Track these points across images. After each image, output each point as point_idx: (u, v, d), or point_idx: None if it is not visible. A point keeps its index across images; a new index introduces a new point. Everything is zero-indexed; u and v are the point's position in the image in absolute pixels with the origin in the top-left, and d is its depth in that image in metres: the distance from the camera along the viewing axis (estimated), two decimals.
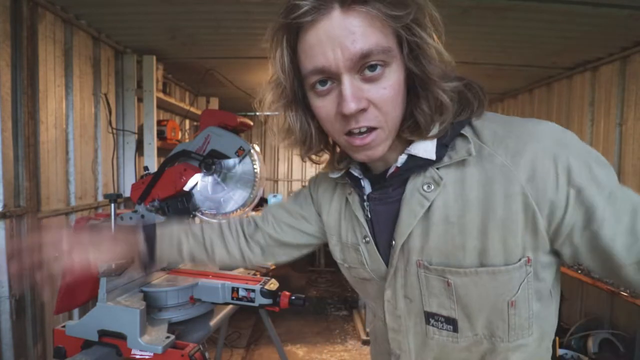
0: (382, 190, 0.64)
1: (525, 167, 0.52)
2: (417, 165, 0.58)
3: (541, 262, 0.55)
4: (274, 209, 0.88)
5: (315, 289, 4.48)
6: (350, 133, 0.55)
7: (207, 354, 1.26)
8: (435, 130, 0.57)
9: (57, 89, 1.95)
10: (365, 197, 0.66)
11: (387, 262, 0.64)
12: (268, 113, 0.67)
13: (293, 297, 1.48)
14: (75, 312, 2.00)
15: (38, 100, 1.80)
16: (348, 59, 0.51)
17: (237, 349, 3.01)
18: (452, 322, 0.59)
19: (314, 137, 0.65)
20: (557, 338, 2.20)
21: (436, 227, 0.57)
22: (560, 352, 2.29)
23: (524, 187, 0.52)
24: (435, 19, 0.54)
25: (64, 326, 1.34)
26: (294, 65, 0.58)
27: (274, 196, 4.10)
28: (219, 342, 2.26)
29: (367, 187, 0.67)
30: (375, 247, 0.65)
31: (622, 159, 2.54)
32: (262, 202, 4.09)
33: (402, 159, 0.60)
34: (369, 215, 0.66)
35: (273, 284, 1.51)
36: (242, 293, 1.49)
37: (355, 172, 0.68)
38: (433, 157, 0.57)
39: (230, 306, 1.67)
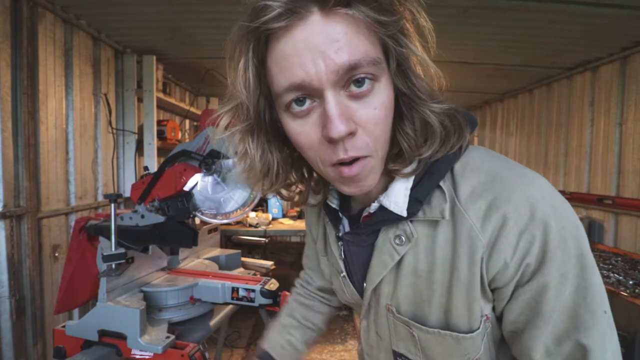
0: (356, 235, 0.60)
1: (490, 233, 0.48)
2: (390, 217, 0.54)
3: (494, 313, 0.54)
4: (306, 262, 0.92)
5: None
6: (338, 163, 0.47)
7: (207, 354, 1.27)
8: (414, 164, 0.52)
9: (57, 89, 1.95)
10: (339, 236, 0.64)
11: (362, 296, 0.64)
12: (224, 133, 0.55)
13: None
14: (75, 312, 2.00)
15: (38, 100, 1.80)
16: (332, 72, 0.42)
17: (237, 349, 3.01)
18: None
19: (276, 171, 0.55)
20: None
21: (405, 278, 0.56)
22: None
23: (483, 252, 0.48)
24: (424, 29, 0.47)
25: (64, 326, 1.34)
26: (261, 79, 0.48)
27: (274, 196, 4.08)
28: (219, 342, 2.26)
29: (346, 226, 0.64)
30: (350, 284, 0.65)
31: (622, 159, 2.54)
32: (262, 202, 4.09)
33: (374, 206, 0.55)
34: (343, 255, 0.64)
35: (273, 284, 1.52)
36: (242, 293, 1.49)
37: (334, 205, 0.63)
38: (404, 214, 0.52)
39: (230, 306, 1.67)
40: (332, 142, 0.45)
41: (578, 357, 0.46)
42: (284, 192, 0.61)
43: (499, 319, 0.54)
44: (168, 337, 1.27)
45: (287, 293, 1.49)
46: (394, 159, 0.52)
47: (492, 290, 0.51)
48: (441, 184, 0.51)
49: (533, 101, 3.53)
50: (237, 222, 3.36)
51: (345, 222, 0.64)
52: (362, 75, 0.44)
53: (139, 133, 2.60)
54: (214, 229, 2.08)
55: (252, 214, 3.46)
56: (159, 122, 2.73)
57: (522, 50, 2.51)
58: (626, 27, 2.11)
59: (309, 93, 0.45)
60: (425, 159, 0.51)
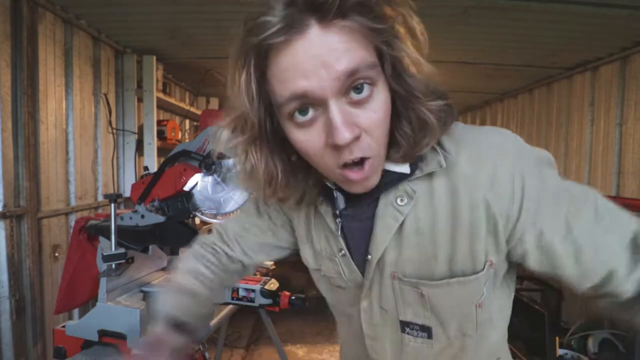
0: (355, 208, 0.60)
1: (486, 177, 0.52)
2: (392, 179, 0.55)
3: (501, 263, 0.57)
4: (236, 230, 0.79)
5: (316, 289, 4.47)
6: (345, 165, 0.49)
7: (207, 354, 1.27)
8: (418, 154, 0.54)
9: (57, 89, 1.95)
10: (337, 213, 0.62)
11: (363, 274, 0.62)
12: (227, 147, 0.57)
13: (293, 297, 1.48)
14: (75, 312, 2.00)
15: (38, 100, 1.80)
16: (335, 79, 0.44)
17: (237, 349, 3.02)
18: (426, 330, 0.60)
19: (280, 179, 0.56)
20: (557, 338, 2.20)
21: (409, 240, 0.57)
22: (560, 352, 2.29)
23: (485, 194, 0.52)
24: (416, 31, 0.49)
25: (64, 326, 1.34)
26: (262, 91, 0.50)
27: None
28: (219, 342, 2.26)
29: (341, 203, 0.61)
30: (351, 260, 0.63)
31: (622, 159, 2.54)
32: None
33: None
34: (340, 231, 0.63)
35: (273, 284, 1.52)
36: (242, 293, 1.49)
37: (330, 184, 0.62)
38: (407, 170, 0.55)
39: (230, 306, 1.67)
40: (336, 148, 0.47)
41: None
42: (281, 195, 0.61)
43: (509, 271, 0.59)
44: None
45: (287, 293, 1.49)
46: (393, 155, 0.54)
47: (510, 235, 0.53)
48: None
49: (533, 101, 3.53)
50: None
51: (341, 199, 0.61)
52: (361, 81, 0.46)
53: (139, 133, 2.60)
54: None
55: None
56: (159, 122, 2.73)
57: (522, 50, 2.51)
58: (626, 27, 2.11)
59: (311, 102, 0.47)
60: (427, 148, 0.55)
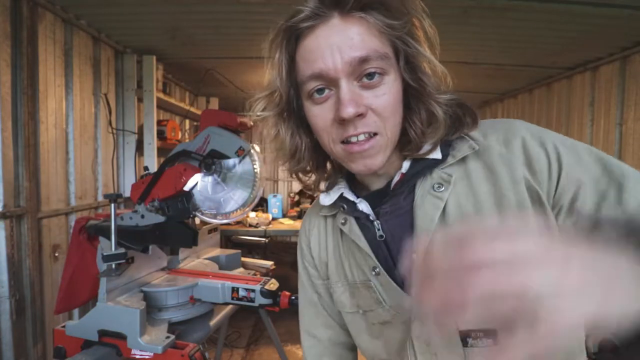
0: (392, 202, 0.59)
1: (519, 153, 0.54)
2: (425, 167, 0.57)
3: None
4: (312, 324, 0.74)
5: None
6: (347, 141, 0.54)
7: (207, 354, 1.27)
8: (427, 147, 0.57)
9: (57, 89, 1.95)
10: (371, 217, 0.60)
11: (406, 291, 0.57)
12: (258, 116, 0.64)
13: (293, 297, 1.48)
14: (75, 312, 2.00)
15: (38, 100, 1.80)
16: (347, 63, 0.50)
17: (237, 349, 3.01)
18: (492, 335, 0.53)
19: (303, 152, 0.62)
20: None
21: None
22: None
23: (523, 171, 0.53)
24: (430, 35, 0.54)
25: (64, 326, 1.35)
26: (291, 72, 0.57)
27: (274, 196, 4.10)
28: (219, 342, 2.26)
29: (366, 209, 0.61)
30: (387, 277, 0.58)
31: (622, 159, 2.53)
32: (262, 202, 4.09)
33: (406, 164, 0.58)
34: (384, 235, 0.59)
35: (273, 284, 1.51)
36: (242, 293, 1.49)
37: (350, 196, 0.62)
38: (439, 156, 0.56)
39: (230, 306, 1.67)
40: (342, 122, 0.52)
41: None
42: (302, 176, 0.66)
43: None
44: (168, 337, 1.27)
45: (287, 293, 1.49)
46: (406, 145, 0.57)
47: (555, 203, 0.52)
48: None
49: (533, 101, 3.53)
50: (237, 222, 3.36)
51: (366, 207, 0.61)
52: (372, 70, 0.51)
53: (139, 133, 2.60)
54: (214, 229, 2.08)
55: (252, 214, 3.46)
56: (159, 122, 2.73)
57: (522, 50, 2.51)
58: (626, 27, 2.11)
59: (327, 82, 0.53)
60: (439, 140, 0.56)
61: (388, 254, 0.59)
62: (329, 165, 0.68)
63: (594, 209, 0.50)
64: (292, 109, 0.60)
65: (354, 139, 0.53)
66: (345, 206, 0.63)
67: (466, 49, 2.51)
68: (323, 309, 0.73)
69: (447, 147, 0.57)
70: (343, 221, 0.64)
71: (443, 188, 0.55)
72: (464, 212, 0.54)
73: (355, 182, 0.67)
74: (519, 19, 2.02)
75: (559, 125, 3.16)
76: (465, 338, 0.53)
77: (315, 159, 0.64)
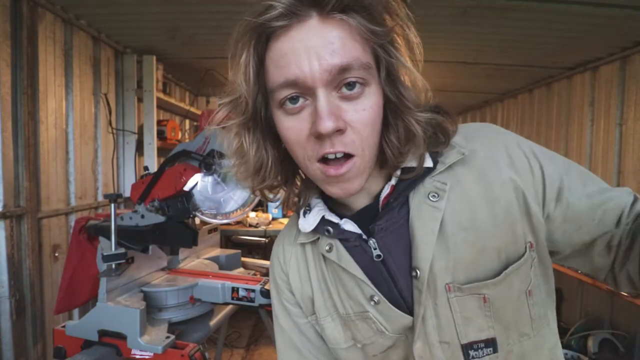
0: (387, 217, 0.54)
1: (504, 155, 0.54)
2: (417, 174, 0.53)
3: (541, 246, 0.54)
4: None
5: None
6: (324, 159, 0.48)
7: (207, 354, 1.27)
8: (408, 163, 0.53)
9: (57, 89, 1.95)
10: (363, 237, 0.55)
11: (410, 311, 0.54)
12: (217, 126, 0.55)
13: None
14: (75, 312, 2.00)
15: (38, 100, 1.79)
16: (325, 71, 0.45)
17: (237, 349, 3.01)
18: (491, 343, 0.52)
19: (269, 168, 0.55)
20: None
21: (454, 239, 0.52)
22: None
23: (509, 174, 0.53)
24: (414, 44, 0.50)
25: (64, 326, 1.35)
26: (259, 77, 0.50)
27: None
28: (219, 342, 2.26)
29: (354, 228, 0.55)
30: (388, 304, 0.54)
31: (622, 159, 2.54)
32: (262, 202, 4.09)
33: (395, 178, 0.54)
34: (381, 255, 0.54)
35: None
36: (242, 293, 1.49)
37: (333, 218, 0.57)
38: (431, 164, 0.53)
39: (230, 306, 1.67)
40: (319, 137, 0.46)
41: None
42: (267, 193, 0.60)
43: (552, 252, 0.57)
44: (168, 337, 1.27)
45: None
46: (384, 163, 0.54)
47: (544, 203, 0.53)
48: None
49: (533, 101, 3.53)
50: (237, 222, 3.36)
51: (353, 227, 0.56)
52: (353, 79, 0.46)
53: (139, 133, 2.60)
54: (214, 229, 2.08)
55: (252, 214, 3.46)
56: (159, 122, 2.73)
57: (522, 50, 2.51)
58: (626, 27, 2.10)
59: (302, 91, 0.47)
60: (424, 153, 0.54)
61: (388, 274, 0.54)
62: (297, 178, 0.61)
63: (584, 195, 0.53)
64: (259, 118, 0.53)
65: (331, 156, 0.47)
66: (330, 229, 0.56)
67: (466, 49, 2.51)
68: (309, 353, 0.64)
69: (434, 153, 0.55)
70: (328, 248, 0.57)
71: (439, 197, 0.52)
72: (461, 220, 0.52)
73: (333, 200, 0.59)
74: (519, 19, 2.02)
75: (559, 125, 3.16)
76: (467, 351, 0.52)
77: (283, 172, 0.57)
